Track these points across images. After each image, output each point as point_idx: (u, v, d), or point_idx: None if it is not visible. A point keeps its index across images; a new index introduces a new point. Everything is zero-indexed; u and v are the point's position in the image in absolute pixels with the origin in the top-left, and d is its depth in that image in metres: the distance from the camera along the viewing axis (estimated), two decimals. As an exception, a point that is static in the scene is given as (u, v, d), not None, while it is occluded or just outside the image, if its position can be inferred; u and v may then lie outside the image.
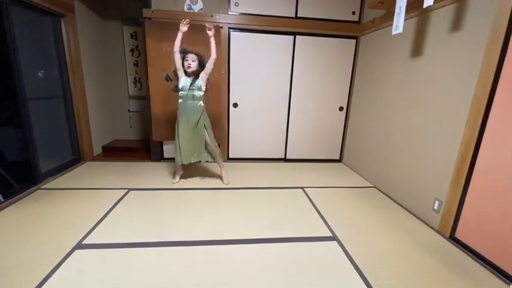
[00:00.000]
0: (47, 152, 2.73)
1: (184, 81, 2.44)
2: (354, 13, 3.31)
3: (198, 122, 2.53)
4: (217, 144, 2.74)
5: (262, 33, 3.24)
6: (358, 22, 3.33)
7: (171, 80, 3.12)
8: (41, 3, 2.50)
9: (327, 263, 1.62)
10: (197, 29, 3.02)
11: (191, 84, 2.43)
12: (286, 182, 2.94)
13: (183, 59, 2.45)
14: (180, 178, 2.80)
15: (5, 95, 2.37)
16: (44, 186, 2.53)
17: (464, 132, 1.84)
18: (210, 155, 2.72)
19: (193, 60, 2.44)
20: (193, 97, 2.48)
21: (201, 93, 2.49)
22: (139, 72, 3.94)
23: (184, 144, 2.55)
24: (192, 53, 2.47)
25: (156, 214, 2.11)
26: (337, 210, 2.31)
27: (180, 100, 2.50)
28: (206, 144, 2.66)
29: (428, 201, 2.17)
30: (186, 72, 2.46)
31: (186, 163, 2.62)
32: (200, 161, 2.69)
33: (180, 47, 2.38)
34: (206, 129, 2.59)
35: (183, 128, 2.52)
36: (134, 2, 3.20)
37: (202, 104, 2.53)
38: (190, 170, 3.07)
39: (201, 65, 2.50)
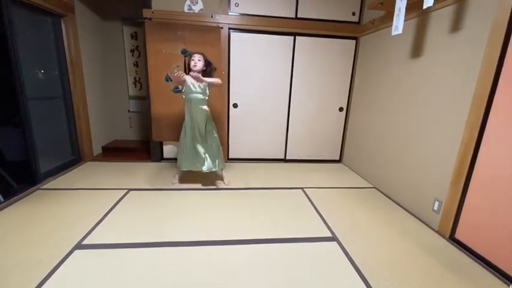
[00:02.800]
0: (46, 152, 2.72)
1: (188, 85, 2.41)
2: (353, 14, 3.31)
3: (204, 130, 2.53)
4: (221, 149, 2.70)
5: (262, 33, 3.24)
6: (358, 23, 3.33)
7: (171, 81, 3.12)
8: (41, 3, 2.50)
9: (326, 263, 1.62)
10: (196, 29, 3.03)
11: (195, 86, 2.41)
12: (286, 182, 2.94)
13: (190, 58, 2.46)
14: (179, 179, 2.80)
15: (4, 95, 2.37)
16: (44, 187, 2.53)
17: (464, 133, 1.85)
18: (213, 161, 2.61)
19: (199, 60, 2.44)
20: (198, 101, 2.44)
21: (205, 97, 2.47)
22: (140, 72, 3.94)
23: (188, 149, 2.57)
24: (198, 53, 2.48)
25: (155, 214, 2.11)
26: (337, 210, 2.31)
27: (185, 106, 2.50)
28: (210, 150, 2.61)
29: (428, 202, 2.17)
30: (190, 71, 2.45)
31: (185, 169, 2.63)
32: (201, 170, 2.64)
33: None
34: (212, 134, 2.60)
35: (188, 134, 2.54)
36: (134, 3, 3.20)
37: (207, 109, 2.50)
38: (191, 171, 3.06)
39: (207, 63, 2.50)
